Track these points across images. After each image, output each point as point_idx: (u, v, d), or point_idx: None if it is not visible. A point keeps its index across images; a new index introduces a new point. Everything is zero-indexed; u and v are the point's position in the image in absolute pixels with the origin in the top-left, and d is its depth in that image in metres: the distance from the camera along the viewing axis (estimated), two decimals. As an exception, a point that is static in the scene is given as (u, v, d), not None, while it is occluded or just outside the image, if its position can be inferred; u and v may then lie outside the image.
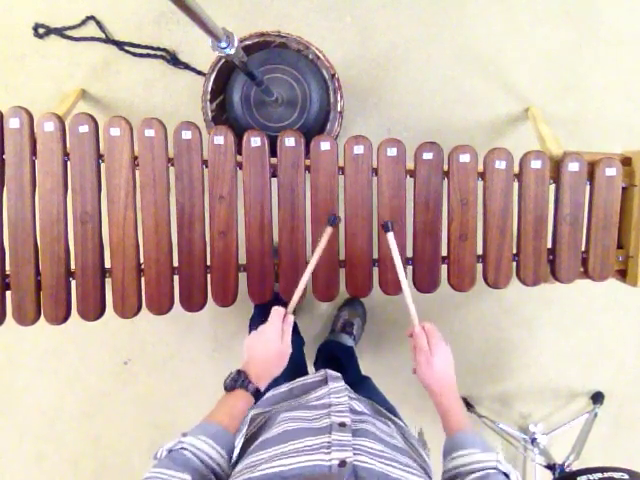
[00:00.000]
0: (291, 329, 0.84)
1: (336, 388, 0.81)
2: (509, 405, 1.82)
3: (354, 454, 0.55)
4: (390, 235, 0.92)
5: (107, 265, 1.04)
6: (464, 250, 1.06)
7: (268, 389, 0.89)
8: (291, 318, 0.85)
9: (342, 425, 0.63)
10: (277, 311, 0.83)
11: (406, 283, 0.89)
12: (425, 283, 1.07)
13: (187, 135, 1.01)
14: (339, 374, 0.88)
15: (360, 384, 1.11)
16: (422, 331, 0.83)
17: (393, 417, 0.85)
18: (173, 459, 0.60)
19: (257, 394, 0.76)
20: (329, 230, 0.94)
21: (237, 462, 0.65)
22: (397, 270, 0.90)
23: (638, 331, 1.78)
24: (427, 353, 0.80)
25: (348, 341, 1.60)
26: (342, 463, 0.53)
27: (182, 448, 0.61)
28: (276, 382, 0.91)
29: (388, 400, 1.00)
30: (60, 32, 1.55)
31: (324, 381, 0.85)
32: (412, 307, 0.87)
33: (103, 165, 1.01)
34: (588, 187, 1.07)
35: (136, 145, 1.01)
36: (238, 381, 0.75)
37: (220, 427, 0.67)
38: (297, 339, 1.44)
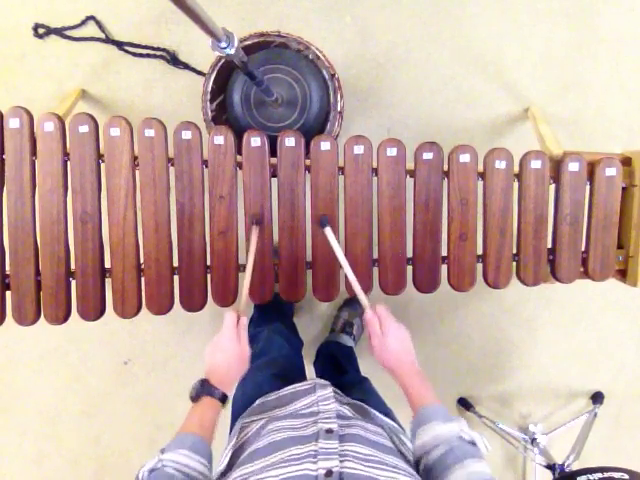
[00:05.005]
0: (246, 331, 0.83)
1: (324, 395, 0.81)
2: (509, 405, 1.82)
3: (340, 461, 0.56)
4: (328, 230, 0.94)
5: (107, 265, 1.04)
6: (464, 250, 1.06)
7: (257, 397, 0.90)
8: (244, 320, 0.83)
9: (329, 431, 0.64)
10: (230, 316, 0.82)
11: (351, 272, 0.92)
12: (425, 283, 1.07)
13: (187, 135, 1.01)
14: (327, 382, 0.88)
15: (358, 385, 1.11)
16: (374, 315, 0.84)
17: (385, 418, 0.85)
18: (156, 478, 0.59)
19: (224, 399, 0.75)
20: (255, 230, 0.97)
21: (227, 472, 0.64)
22: (340, 262, 0.93)
23: (638, 331, 1.78)
24: (380, 336, 0.82)
25: (348, 341, 1.60)
26: (329, 472, 0.53)
27: (163, 466, 0.61)
28: (274, 385, 0.92)
29: (385, 403, 1.00)
30: (60, 32, 1.55)
31: (312, 389, 0.85)
32: (362, 294, 0.90)
33: (103, 165, 1.01)
34: (588, 187, 1.07)
35: (136, 145, 1.01)
36: (202, 389, 0.74)
37: (195, 437, 0.66)
38: (296, 342, 1.43)
